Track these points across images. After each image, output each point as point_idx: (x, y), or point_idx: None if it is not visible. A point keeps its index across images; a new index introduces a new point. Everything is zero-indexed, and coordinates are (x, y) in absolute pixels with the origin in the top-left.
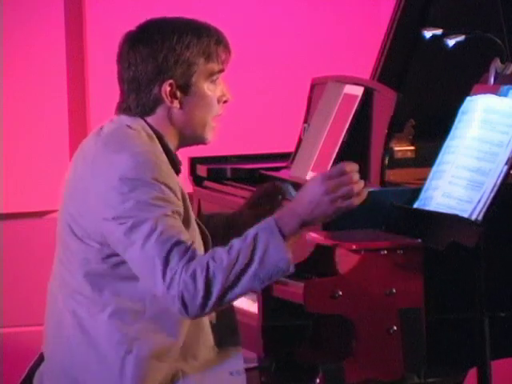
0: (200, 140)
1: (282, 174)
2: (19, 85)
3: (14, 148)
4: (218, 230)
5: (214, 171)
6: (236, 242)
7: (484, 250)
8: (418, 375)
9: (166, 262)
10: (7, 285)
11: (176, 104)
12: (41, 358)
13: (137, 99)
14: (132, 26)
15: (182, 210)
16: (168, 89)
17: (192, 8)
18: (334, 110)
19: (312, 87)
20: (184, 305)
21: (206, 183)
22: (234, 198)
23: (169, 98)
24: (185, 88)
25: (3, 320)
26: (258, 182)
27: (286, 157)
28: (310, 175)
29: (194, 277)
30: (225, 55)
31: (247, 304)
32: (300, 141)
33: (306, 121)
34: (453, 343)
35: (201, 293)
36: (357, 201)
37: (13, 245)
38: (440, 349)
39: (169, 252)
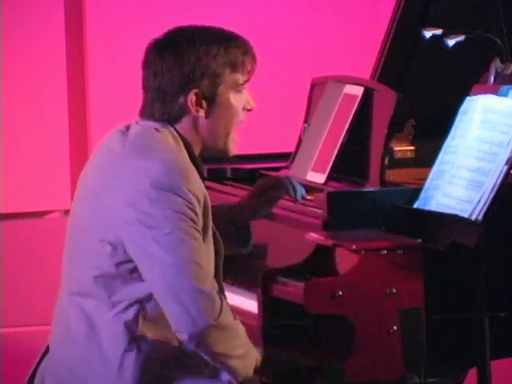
0: (223, 150)
1: (282, 174)
2: (19, 85)
3: (14, 148)
4: (220, 222)
5: (214, 171)
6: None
7: (484, 250)
8: (418, 375)
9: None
10: (7, 285)
11: (202, 113)
12: (47, 352)
13: (162, 108)
14: (132, 26)
15: (201, 221)
16: (194, 98)
17: (192, 8)
18: (334, 110)
19: (312, 87)
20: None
21: (206, 183)
22: (233, 197)
23: (194, 107)
24: (210, 98)
25: (3, 320)
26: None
27: (286, 157)
28: (310, 175)
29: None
30: (251, 66)
31: (247, 304)
32: (300, 141)
33: (305, 121)
34: (453, 343)
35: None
36: None
37: (13, 245)
38: (440, 349)
39: (202, 267)
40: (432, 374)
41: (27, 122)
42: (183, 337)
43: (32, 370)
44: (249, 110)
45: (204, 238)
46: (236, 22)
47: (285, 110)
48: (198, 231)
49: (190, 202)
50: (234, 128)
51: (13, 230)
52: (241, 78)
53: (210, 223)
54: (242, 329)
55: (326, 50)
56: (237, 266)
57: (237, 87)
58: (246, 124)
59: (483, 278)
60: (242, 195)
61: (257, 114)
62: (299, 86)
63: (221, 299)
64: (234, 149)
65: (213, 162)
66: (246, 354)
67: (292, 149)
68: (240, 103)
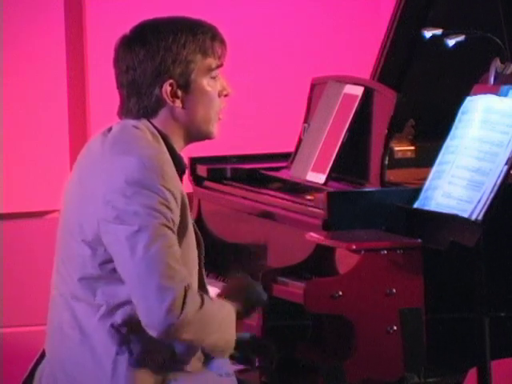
0: (206, 136)
1: (282, 174)
2: (19, 85)
3: (14, 148)
4: None
5: (214, 171)
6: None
7: (484, 250)
8: (417, 375)
9: (170, 268)
10: (7, 285)
11: (178, 103)
12: (43, 356)
13: (138, 102)
14: (132, 25)
15: (178, 217)
16: (169, 89)
17: (192, 8)
18: (334, 110)
19: (312, 87)
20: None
21: (206, 183)
22: (233, 197)
23: (170, 98)
24: (185, 86)
25: (3, 320)
26: (258, 181)
27: (286, 157)
28: (310, 175)
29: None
30: (221, 50)
31: None
32: (300, 141)
33: (305, 121)
34: (453, 343)
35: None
36: None
37: (13, 245)
38: (440, 349)
39: (169, 265)
40: (432, 374)
41: (27, 122)
42: (152, 333)
43: (27, 373)
44: (225, 96)
45: (184, 234)
46: (236, 22)
47: (285, 109)
48: (171, 228)
49: (164, 199)
50: (215, 113)
51: (13, 229)
52: (213, 62)
53: (189, 218)
54: (214, 308)
55: (326, 50)
56: (237, 266)
57: (210, 72)
58: (246, 124)
59: (483, 278)
60: (242, 195)
61: (257, 114)
62: (299, 86)
63: (185, 293)
64: (217, 130)
65: (213, 162)
66: (220, 328)
67: (292, 149)
68: (215, 89)
